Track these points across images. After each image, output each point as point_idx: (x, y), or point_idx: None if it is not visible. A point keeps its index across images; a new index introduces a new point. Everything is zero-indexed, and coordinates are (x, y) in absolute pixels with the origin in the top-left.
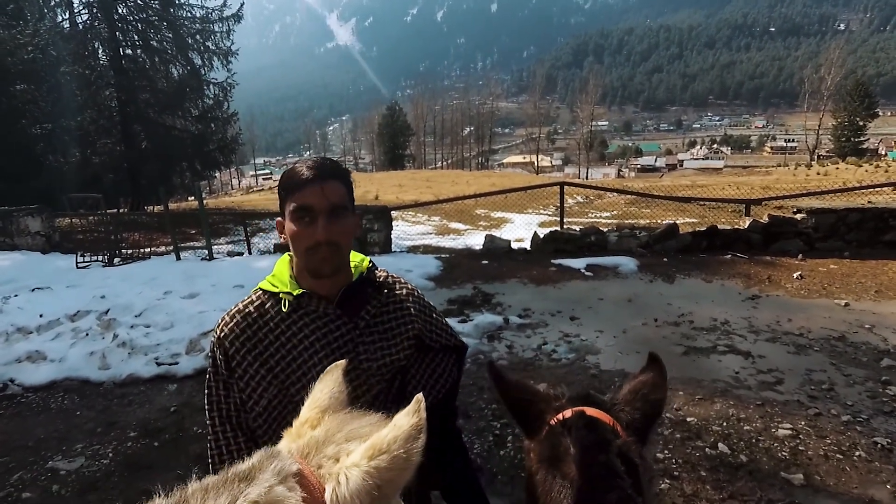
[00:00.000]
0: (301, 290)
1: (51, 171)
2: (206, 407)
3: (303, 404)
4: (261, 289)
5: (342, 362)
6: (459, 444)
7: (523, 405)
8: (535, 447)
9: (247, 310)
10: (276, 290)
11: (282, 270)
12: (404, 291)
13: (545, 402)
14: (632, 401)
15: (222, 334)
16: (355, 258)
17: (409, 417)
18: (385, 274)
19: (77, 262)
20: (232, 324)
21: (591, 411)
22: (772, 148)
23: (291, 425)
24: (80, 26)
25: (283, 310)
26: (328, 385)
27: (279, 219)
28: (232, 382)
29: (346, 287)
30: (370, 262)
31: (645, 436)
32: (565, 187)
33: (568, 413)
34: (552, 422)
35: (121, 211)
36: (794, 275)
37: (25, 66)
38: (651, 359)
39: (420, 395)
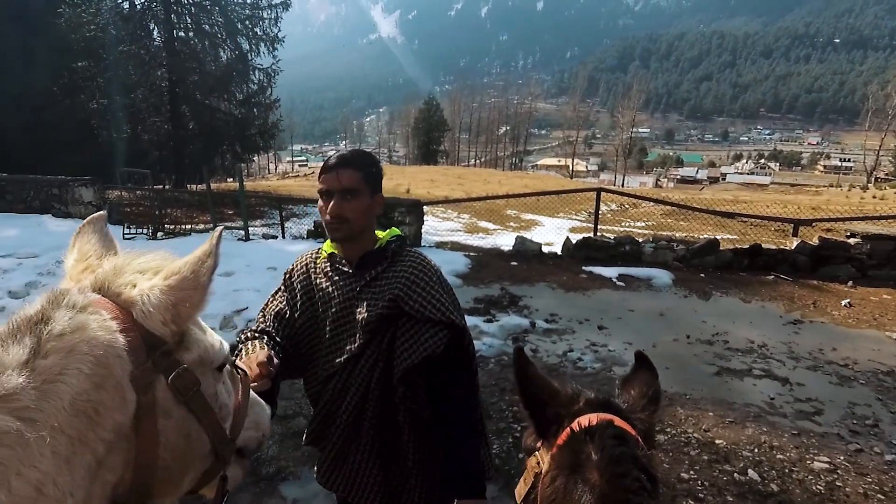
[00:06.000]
0: (332, 251)
1: (103, 144)
2: (265, 302)
3: (326, 332)
4: (321, 247)
5: (102, 214)
6: (460, 417)
7: (541, 402)
8: (554, 452)
9: (308, 258)
10: (325, 249)
11: None
12: (408, 262)
13: (563, 404)
14: (644, 406)
15: (291, 268)
16: (386, 233)
17: (202, 246)
18: (405, 248)
19: (124, 234)
20: (298, 263)
21: (617, 421)
22: (825, 167)
23: (317, 343)
24: (138, 7)
25: (321, 263)
26: (90, 237)
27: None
28: (286, 298)
29: (365, 253)
30: (395, 237)
31: (653, 441)
32: (601, 194)
33: (593, 420)
34: (574, 427)
35: (165, 188)
36: (843, 302)
37: (87, 44)
38: (640, 358)
39: (216, 232)
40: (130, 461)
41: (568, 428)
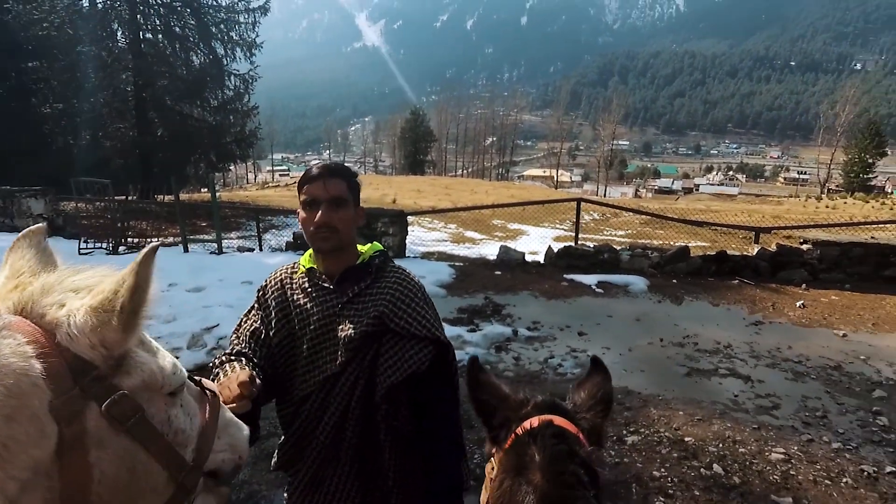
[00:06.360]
0: (311, 266)
1: (59, 152)
2: (237, 323)
3: (303, 351)
4: (297, 261)
5: (40, 226)
6: (444, 432)
7: (490, 409)
8: (501, 457)
9: (284, 272)
10: (303, 264)
11: (310, 251)
12: (392, 278)
13: (511, 409)
14: (591, 406)
15: (265, 284)
16: (368, 248)
17: (130, 264)
18: (389, 264)
19: (80, 249)
20: (272, 279)
21: (558, 420)
22: (785, 179)
23: (296, 362)
24: (100, 6)
25: (297, 279)
26: (25, 252)
27: (300, 210)
28: (260, 316)
29: (346, 268)
30: (377, 252)
31: (601, 439)
32: (582, 204)
33: (535, 422)
34: (518, 431)
35: (129, 198)
36: (797, 303)
37: (39, 43)
38: (594, 363)
39: (146, 248)
40: (54, 500)
41: (514, 432)
